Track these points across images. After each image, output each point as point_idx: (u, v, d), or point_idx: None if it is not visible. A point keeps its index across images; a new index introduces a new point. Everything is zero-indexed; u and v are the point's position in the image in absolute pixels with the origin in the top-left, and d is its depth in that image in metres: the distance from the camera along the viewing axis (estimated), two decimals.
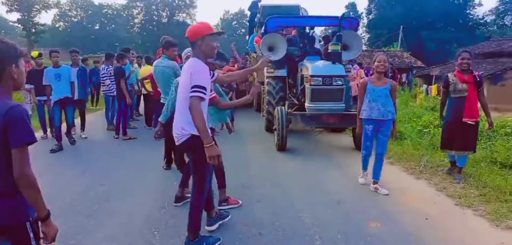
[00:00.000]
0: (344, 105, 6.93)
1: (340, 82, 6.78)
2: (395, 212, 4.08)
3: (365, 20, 49.83)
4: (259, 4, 12.21)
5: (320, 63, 7.30)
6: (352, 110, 7.20)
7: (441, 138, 5.29)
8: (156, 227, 3.65)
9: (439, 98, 5.41)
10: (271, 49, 7.97)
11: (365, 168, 5.00)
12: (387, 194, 4.52)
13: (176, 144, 3.05)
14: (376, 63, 4.64)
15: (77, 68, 7.92)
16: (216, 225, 3.57)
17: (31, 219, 1.79)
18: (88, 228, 3.61)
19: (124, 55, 8.04)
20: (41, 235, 1.81)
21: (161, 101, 5.07)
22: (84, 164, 5.96)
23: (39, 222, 1.80)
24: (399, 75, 19.99)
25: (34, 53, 8.01)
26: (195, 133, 2.79)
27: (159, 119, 4.24)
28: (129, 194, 4.58)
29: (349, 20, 8.11)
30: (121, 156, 6.52)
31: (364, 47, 38.47)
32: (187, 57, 4.14)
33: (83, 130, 8.06)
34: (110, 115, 8.81)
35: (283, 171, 5.53)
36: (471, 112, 4.87)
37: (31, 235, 1.79)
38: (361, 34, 53.12)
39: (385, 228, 3.69)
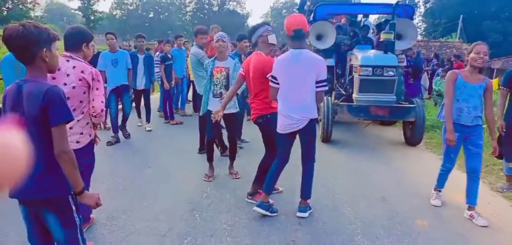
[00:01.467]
0: (395, 97, 6.61)
1: (391, 73, 6.45)
2: (444, 211, 3.85)
3: (422, 9, 47.26)
4: None
5: (371, 52, 7.01)
6: (404, 103, 6.89)
7: (505, 145, 4.30)
8: (197, 210, 3.71)
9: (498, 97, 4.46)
10: (319, 37, 7.77)
11: (441, 186, 4.03)
12: (487, 226, 3.52)
13: (294, 129, 3.48)
14: (473, 54, 3.57)
15: (143, 56, 7.18)
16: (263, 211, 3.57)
17: (72, 192, 1.91)
18: (134, 208, 3.74)
19: (168, 41, 8.24)
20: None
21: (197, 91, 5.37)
22: (133, 147, 6.20)
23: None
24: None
25: None
26: (314, 117, 3.48)
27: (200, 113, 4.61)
28: (173, 177, 4.70)
29: (404, 7, 7.67)
30: (167, 140, 6.71)
31: (419, 37, 36.73)
32: (219, 41, 4.28)
33: (149, 122, 7.44)
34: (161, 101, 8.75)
35: (326, 163, 5.35)
36: None
37: (74, 207, 1.94)
38: (417, 23, 50.65)
39: (432, 227, 3.49)
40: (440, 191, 4.06)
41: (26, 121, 1.77)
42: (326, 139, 6.56)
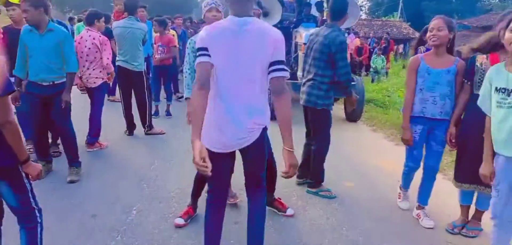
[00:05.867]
0: None
1: None
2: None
3: None
4: None
5: (312, 30, 7.16)
6: None
7: (457, 165, 3.13)
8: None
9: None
10: (266, 14, 7.78)
11: (406, 186, 3.56)
12: (432, 228, 3.24)
13: (238, 146, 2.23)
14: (428, 32, 3.04)
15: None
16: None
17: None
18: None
19: None
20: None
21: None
22: None
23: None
24: (395, 46, 19.75)
25: None
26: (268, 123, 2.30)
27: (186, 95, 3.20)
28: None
29: None
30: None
31: (363, 16, 38.04)
32: (212, 10, 3.04)
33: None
34: None
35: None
36: None
37: (23, 173, 2.05)
38: (361, 2, 52.35)
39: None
40: (406, 191, 3.58)
41: None
42: None
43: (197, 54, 2.13)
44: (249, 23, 2.11)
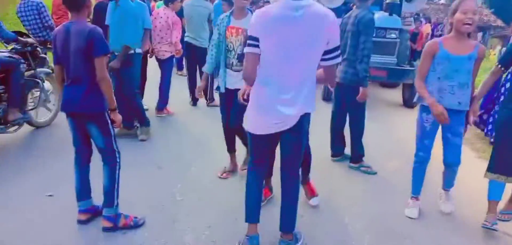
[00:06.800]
0: (396, 59, 6.85)
1: (393, 36, 6.69)
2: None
3: None
4: None
5: (377, 14, 7.15)
6: (405, 65, 7.10)
7: (494, 155, 2.95)
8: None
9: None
10: None
11: (417, 192, 3.19)
12: (449, 213, 3.18)
13: (280, 129, 2.29)
14: (458, 14, 2.68)
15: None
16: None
17: (108, 109, 2.56)
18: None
19: None
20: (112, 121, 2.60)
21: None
22: None
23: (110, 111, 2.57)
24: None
25: None
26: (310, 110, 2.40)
27: (206, 69, 3.50)
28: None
29: None
30: None
31: (442, 0, 35.38)
32: None
33: None
34: None
35: (322, 120, 5.63)
36: None
37: (109, 120, 2.59)
38: None
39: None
40: (417, 198, 3.20)
41: (73, 53, 2.39)
42: (327, 98, 6.87)
43: (247, 42, 2.16)
44: (303, 7, 2.06)
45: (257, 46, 2.11)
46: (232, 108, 3.30)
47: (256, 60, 2.15)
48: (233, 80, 3.25)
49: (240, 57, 3.15)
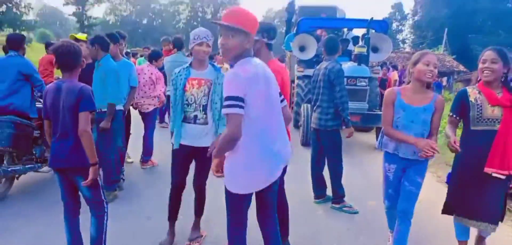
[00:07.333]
0: (367, 105, 7.28)
1: (363, 84, 7.16)
2: None
3: (410, 21, 48.57)
4: (296, 5, 12.61)
5: (346, 64, 7.66)
6: (376, 110, 7.55)
7: (447, 197, 3.07)
8: None
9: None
10: (302, 49, 8.42)
11: (392, 226, 3.22)
12: None
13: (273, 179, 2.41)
14: (420, 66, 2.75)
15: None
16: None
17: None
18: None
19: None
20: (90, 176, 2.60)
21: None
22: None
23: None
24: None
25: None
26: None
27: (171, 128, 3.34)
28: None
29: (378, 23, 8.38)
30: None
31: (407, 49, 37.71)
32: (202, 44, 3.01)
33: None
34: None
35: (303, 164, 5.93)
36: (501, 159, 2.71)
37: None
38: (405, 35, 51.88)
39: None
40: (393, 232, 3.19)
41: (63, 110, 2.51)
42: (306, 143, 7.18)
43: (231, 103, 2.07)
44: (260, 63, 2.32)
45: (243, 107, 2.09)
46: (198, 165, 3.23)
47: (241, 121, 2.11)
48: (196, 134, 3.09)
49: (205, 109, 3.08)
